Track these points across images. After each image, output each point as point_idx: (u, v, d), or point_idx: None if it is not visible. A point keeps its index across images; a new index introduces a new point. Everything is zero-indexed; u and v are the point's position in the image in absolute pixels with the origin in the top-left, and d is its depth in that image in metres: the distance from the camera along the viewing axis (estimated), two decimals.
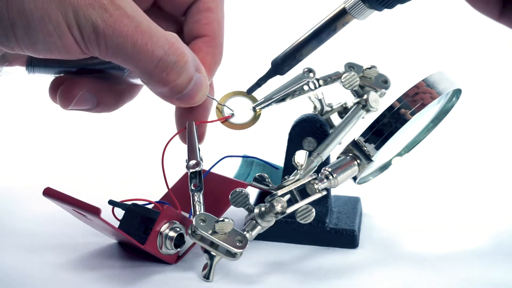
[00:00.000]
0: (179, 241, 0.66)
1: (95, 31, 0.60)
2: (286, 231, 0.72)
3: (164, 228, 0.65)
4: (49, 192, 0.65)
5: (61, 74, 0.68)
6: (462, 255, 0.71)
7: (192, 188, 0.67)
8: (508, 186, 0.89)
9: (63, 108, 0.68)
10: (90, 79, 0.68)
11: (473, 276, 0.67)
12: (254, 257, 0.69)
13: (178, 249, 0.66)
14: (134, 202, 0.67)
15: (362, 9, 0.65)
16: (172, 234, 0.65)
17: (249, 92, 0.71)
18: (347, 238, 0.72)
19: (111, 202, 0.68)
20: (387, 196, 0.85)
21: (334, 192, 0.76)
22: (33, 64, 0.67)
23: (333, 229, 0.72)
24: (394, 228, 0.77)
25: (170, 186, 0.70)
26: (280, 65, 0.69)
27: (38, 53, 0.61)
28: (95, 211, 0.61)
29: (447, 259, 0.70)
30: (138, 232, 0.66)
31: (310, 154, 0.69)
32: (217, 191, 0.70)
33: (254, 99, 0.72)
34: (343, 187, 0.68)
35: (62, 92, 0.67)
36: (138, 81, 0.68)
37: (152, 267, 0.67)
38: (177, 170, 0.73)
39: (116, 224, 0.67)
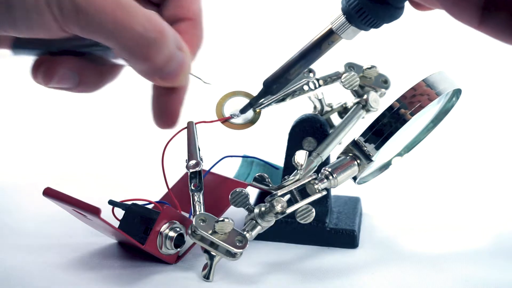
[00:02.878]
0: (179, 241, 0.66)
1: (75, 7, 0.59)
2: (286, 231, 0.72)
3: (164, 228, 0.65)
4: (49, 192, 0.65)
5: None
6: (462, 255, 0.71)
7: (192, 188, 0.67)
8: (508, 186, 0.89)
9: (44, 86, 0.67)
10: (72, 58, 0.67)
11: (473, 276, 0.67)
12: (254, 257, 0.69)
13: (178, 249, 0.66)
14: (134, 202, 0.67)
15: (349, 30, 0.66)
16: (172, 234, 0.65)
17: (242, 112, 0.71)
18: (347, 238, 0.72)
19: (111, 202, 0.68)
20: (387, 196, 0.85)
21: (334, 192, 0.76)
22: (17, 45, 0.67)
23: (333, 229, 0.72)
24: (394, 228, 0.77)
25: (170, 186, 0.70)
26: (270, 85, 0.70)
27: (20, 32, 0.61)
28: (95, 211, 0.61)
29: (447, 259, 0.70)
30: (138, 232, 0.66)
31: (310, 154, 0.69)
32: (217, 191, 0.70)
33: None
34: (343, 187, 0.68)
35: (44, 69, 0.66)
36: (122, 61, 0.68)
37: (152, 267, 0.67)
38: (177, 170, 0.73)
39: (116, 224, 0.67)
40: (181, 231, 0.66)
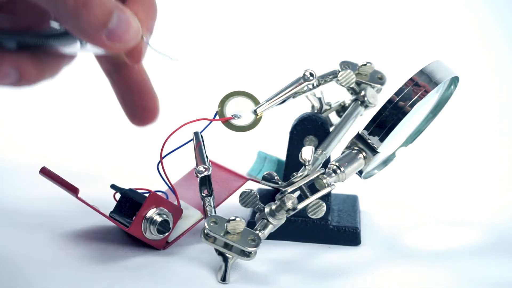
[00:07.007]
0: (163, 227, 0.67)
1: None
2: (289, 229, 0.72)
3: (150, 213, 0.67)
4: (44, 171, 0.67)
5: None
6: (463, 252, 0.72)
7: (203, 194, 0.68)
8: (507, 182, 0.90)
9: None
10: (11, 54, 0.65)
11: (474, 272, 0.67)
12: (257, 256, 0.69)
13: (162, 235, 0.68)
14: (132, 188, 0.69)
15: None
16: (156, 219, 0.67)
17: None
18: (350, 235, 0.73)
19: (113, 187, 0.70)
20: (383, 194, 0.86)
21: (332, 190, 0.77)
22: None
23: (336, 226, 0.73)
24: (393, 225, 0.78)
25: (177, 180, 0.73)
26: None
27: None
28: (73, 190, 0.65)
29: (448, 255, 0.71)
30: (128, 216, 0.68)
31: (314, 151, 0.69)
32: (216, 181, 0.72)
33: (255, 100, 0.71)
34: (339, 185, 0.69)
35: None
36: (89, 49, 0.69)
37: (143, 251, 0.69)
38: (179, 167, 0.75)
39: None
40: (166, 218, 0.67)
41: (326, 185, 0.66)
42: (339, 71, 0.73)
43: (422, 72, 0.65)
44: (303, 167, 0.66)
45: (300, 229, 0.73)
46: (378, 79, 0.75)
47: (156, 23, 0.69)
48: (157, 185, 0.71)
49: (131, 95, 0.71)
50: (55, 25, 0.68)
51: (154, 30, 0.68)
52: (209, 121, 0.69)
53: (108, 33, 0.63)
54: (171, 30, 1.14)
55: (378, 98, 0.74)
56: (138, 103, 0.71)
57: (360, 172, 0.68)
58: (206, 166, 0.67)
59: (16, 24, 0.67)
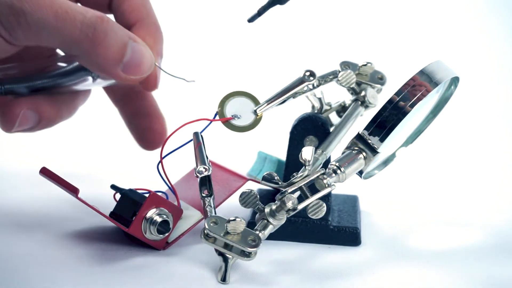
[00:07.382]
0: (163, 228, 0.67)
1: (13, 11, 0.59)
2: (289, 230, 0.72)
3: (150, 214, 0.67)
4: (44, 171, 0.67)
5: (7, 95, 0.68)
6: (462, 251, 0.71)
7: (203, 195, 0.68)
8: (508, 182, 0.90)
9: (6, 132, 0.68)
10: (29, 97, 0.67)
11: (475, 271, 0.67)
12: (257, 257, 0.69)
13: (162, 235, 0.68)
14: (132, 188, 0.69)
15: None
16: (156, 219, 0.67)
17: (250, 21, 0.71)
18: (350, 236, 0.73)
19: (113, 187, 0.70)
20: (384, 194, 0.86)
21: (332, 191, 0.77)
22: None
23: (336, 227, 0.73)
24: (393, 225, 0.78)
25: (177, 180, 0.72)
26: None
27: None
28: (73, 190, 0.65)
29: (448, 255, 0.70)
30: (128, 216, 0.68)
31: (314, 152, 0.70)
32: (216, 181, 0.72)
33: (255, 100, 0.71)
34: (339, 185, 0.69)
35: (2, 114, 0.67)
36: (102, 82, 0.69)
37: (142, 251, 0.69)
38: (179, 167, 0.75)
39: None
40: (166, 218, 0.67)
41: (326, 185, 0.66)
42: (339, 71, 0.73)
43: (422, 72, 0.65)
44: (303, 167, 0.66)
45: (300, 230, 0.73)
46: (378, 79, 0.75)
47: (164, 46, 0.70)
48: (157, 185, 0.71)
49: (138, 119, 0.72)
50: (63, 64, 0.69)
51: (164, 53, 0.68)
52: (209, 121, 0.69)
53: (124, 66, 0.64)
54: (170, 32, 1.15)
55: (378, 98, 0.74)
56: (146, 126, 0.72)
57: (360, 172, 0.68)
58: (206, 167, 0.67)
59: (26, 70, 0.68)
